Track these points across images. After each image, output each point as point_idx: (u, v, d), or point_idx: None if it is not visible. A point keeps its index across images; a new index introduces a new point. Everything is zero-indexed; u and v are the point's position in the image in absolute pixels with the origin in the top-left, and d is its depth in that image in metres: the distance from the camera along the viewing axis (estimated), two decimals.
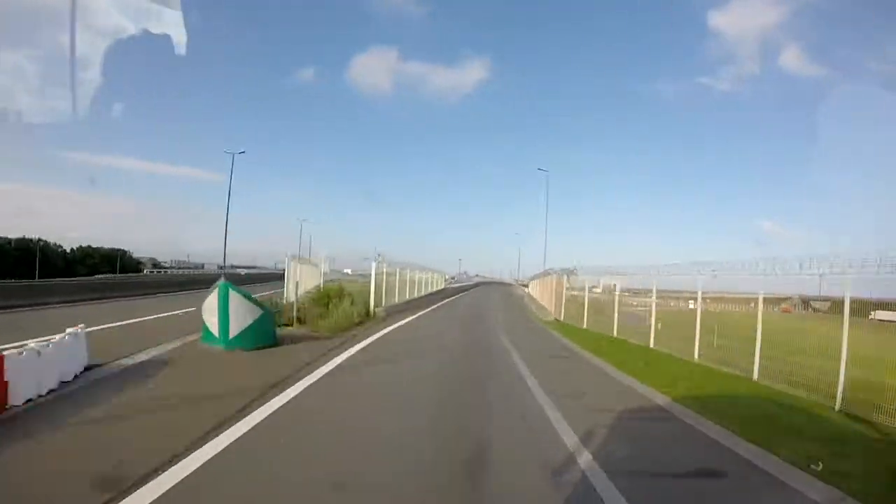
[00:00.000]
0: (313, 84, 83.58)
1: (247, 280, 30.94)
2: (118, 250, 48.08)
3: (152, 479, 3.20)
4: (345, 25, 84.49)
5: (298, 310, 12.80)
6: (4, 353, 4.59)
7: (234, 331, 8.47)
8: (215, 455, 3.71)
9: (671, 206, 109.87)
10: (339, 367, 7.77)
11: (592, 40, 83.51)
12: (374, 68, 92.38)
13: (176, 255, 72.70)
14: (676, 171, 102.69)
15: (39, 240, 40.21)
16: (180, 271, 45.86)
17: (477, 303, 30.64)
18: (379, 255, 19.16)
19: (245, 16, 76.47)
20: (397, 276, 21.30)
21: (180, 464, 3.48)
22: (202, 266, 63.60)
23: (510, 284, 73.18)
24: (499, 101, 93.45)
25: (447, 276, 60.76)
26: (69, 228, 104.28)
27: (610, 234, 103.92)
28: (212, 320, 8.55)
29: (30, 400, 4.82)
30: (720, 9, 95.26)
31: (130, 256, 47.29)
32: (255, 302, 9.03)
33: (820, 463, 3.98)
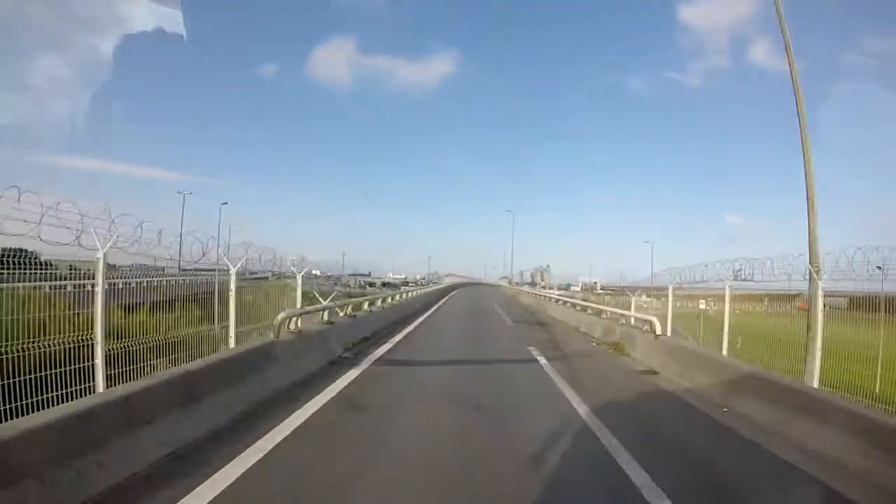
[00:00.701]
0: (274, 80, 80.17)
1: None
2: (20, 250, 43.85)
3: None
4: (306, 19, 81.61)
5: None
6: None
7: None
8: None
9: (648, 202, 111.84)
10: None
11: (560, 35, 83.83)
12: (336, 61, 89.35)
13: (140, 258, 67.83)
14: (652, 166, 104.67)
15: None
16: None
17: None
18: None
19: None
20: None
21: None
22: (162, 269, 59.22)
23: (498, 286, 56.95)
24: (472, 97, 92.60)
25: (403, 279, 49.28)
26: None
27: (581, 233, 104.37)
28: None
29: None
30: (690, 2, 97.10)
31: (37, 259, 42.97)
32: None
33: None
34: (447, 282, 49.81)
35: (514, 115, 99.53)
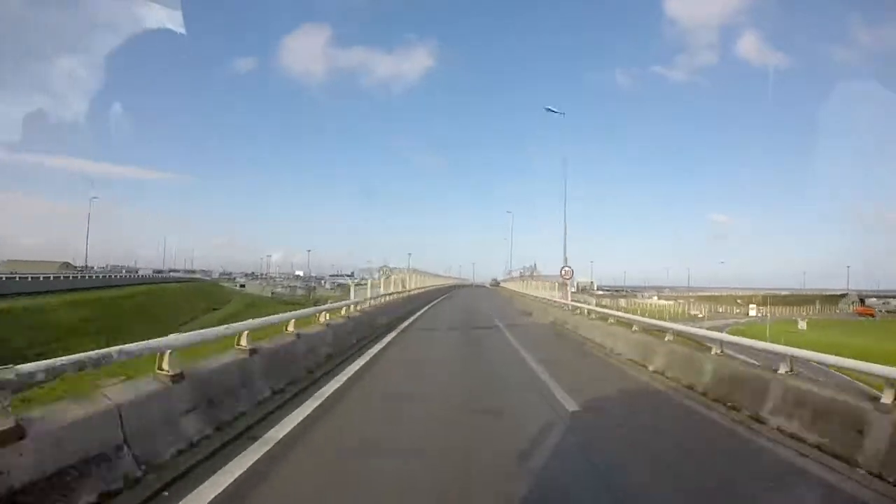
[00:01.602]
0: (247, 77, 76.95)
1: None
2: None
3: None
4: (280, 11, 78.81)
5: None
6: None
7: None
8: None
9: (641, 202, 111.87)
10: None
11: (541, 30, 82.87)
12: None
13: (122, 259, 66.15)
14: (645, 166, 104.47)
15: None
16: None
17: None
18: None
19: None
20: None
21: None
22: (127, 270, 56.66)
23: (489, 287, 47.47)
24: (455, 92, 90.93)
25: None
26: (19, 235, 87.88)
27: (572, 233, 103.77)
28: None
29: None
30: None
31: None
32: None
33: None
34: (390, 290, 15.93)
35: (502, 112, 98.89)
